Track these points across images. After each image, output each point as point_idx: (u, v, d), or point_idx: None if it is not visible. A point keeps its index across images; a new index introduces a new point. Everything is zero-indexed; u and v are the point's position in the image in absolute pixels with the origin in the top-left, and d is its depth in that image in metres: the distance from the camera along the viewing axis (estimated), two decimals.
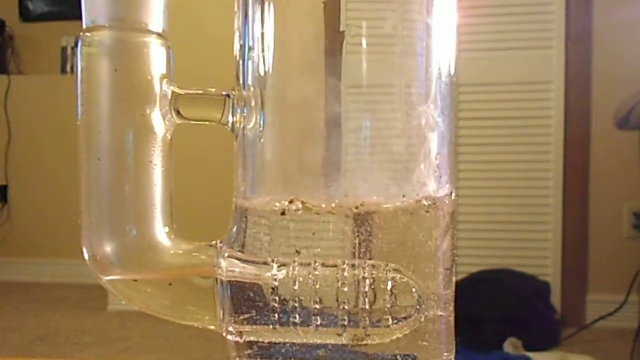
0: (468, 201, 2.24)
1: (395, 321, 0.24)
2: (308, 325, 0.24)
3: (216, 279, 0.26)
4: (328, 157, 0.26)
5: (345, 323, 0.24)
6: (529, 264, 2.22)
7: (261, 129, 0.26)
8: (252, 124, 0.26)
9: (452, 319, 0.27)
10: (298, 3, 0.26)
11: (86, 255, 0.25)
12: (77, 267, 2.57)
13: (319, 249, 0.25)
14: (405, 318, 0.24)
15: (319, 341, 0.25)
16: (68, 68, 3.15)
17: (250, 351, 0.26)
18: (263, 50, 0.26)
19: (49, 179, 2.99)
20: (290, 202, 0.25)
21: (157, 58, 0.25)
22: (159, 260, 0.26)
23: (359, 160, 0.26)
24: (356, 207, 0.25)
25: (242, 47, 0.26)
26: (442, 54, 0.26)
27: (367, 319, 0.24)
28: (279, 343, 0.25)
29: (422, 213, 0.25)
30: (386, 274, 0.24)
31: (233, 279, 0.25)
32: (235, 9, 0.26)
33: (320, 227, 0.25)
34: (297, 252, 0.25)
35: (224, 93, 0.26)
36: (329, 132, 0.26)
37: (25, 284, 2.91)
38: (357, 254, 0.25)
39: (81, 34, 0.25)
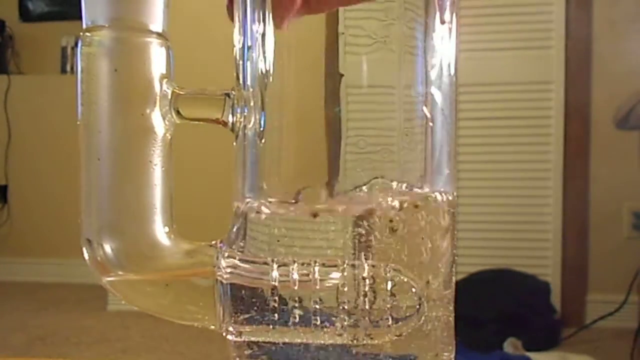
0: (468, 201, 2.24)
1: (395, 321, 0.24)
2: (308, 325, 0.24)
3: (216, 279, 0.26)
4: (328, 157, 0.26)
5: (345, 323, 0.24)
6: (529, 264, 2.22)
7: (261, 128, 0.26)
8: (252, 123, 0.26)
9: (452, 319, 0.27)
10: None
11: (86, 255, 0.25)
12: (77, 267, 2.57)
13: (319, 249, 0.25)
14: (405, 318, 0.24)
15: (319, 341, 0.25)
16: (68, 68, 3.15)
17: (250, 351, 0.26)
18: (263, 51, 0.26)
19: (49, 179, 2.99)
20: (290, 201, 0.25)
21: (157, 58, 0.25)
22: (158, 260, 0.26)
23: (359, 160, 0.26)
24: (356, 207, 0.25)
25: (242, 47, 0.26)
26: (442, 54, 0.26)
27: (367, 319, 0.24)
28: (279, 343, 0.25)
29: (422, 213, 0.25)
30: (386, 274, 0.24)
31: (233, 279, 0.25)
32: (235, 9, 0.26)
33: (321, 227, 0.25)
34: (297, 252, 0.25)
35: (224, 93, 0.26)
36: (329, 132, 0.26)
37: (25, 284, 2.91)
38: (357, 254, 0.25)
39: (81, 34, 0.25)
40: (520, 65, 2.25)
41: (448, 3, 0.26)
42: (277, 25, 0.25)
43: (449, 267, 0.26)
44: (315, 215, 0.25)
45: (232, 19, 0.26)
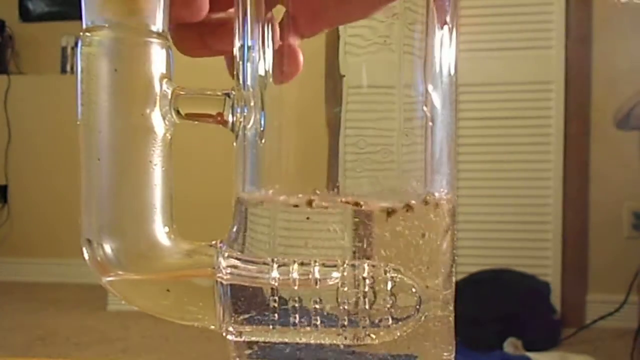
0: (468, 201, 2.24)
1: (395, 321, 0.24)
2: (308, 325, 0.24)
3: (216, 279, 0.26)
4: (328, 157, 0.26)
5: (345, 323, 0.24)
6: (529, 264, 2.22)
7: (262, 129, 0.26)
8: (251, 124, 0.26)
9: (452, 319, 0.27)
10: None
11: (86, 255, 0.25)
12: (77, 267, 2.57)
13: (319, 249, 0.25)
14: (405, 318, 0.24)
15: (319, 341, 0.25)
16: (68, 68, 3.15)
17: (250, 351, 0.26)
18: (263, 51, 0.26)
19: (49, 179, 2.99)
20: (290, 202, 0.25)
21: (157, 58, 0.25)
22: (159, 261, 0.26)
23: (358, 160, 0.26)
24: (356, 207, 0.25)
25: (241, 47, 0.26)
26: (442, 54, 0.26)
27: (367, 319, 0.24)
28: (279, 343, 0.25)
29: (422, 213, 0.25)
30: (386, 274, 0.24)
31: (233, 279, 0.25)
32: (235, 8, 0.26)
33: (321, 227, 0.25)
34: (298, 252, 0.25)
35: (224, 93, 0.26)
36: (329, 132, 0.26)
37: (25, 284, 2.91)
38: (357, 254, 0.25)
39: (81, 34, 0.25)
40: (520, 65, 2.25)
41: (448, 3, 0.26)
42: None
43: (449, 267, 0.26)
44: (314, 214, 0.25)
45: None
